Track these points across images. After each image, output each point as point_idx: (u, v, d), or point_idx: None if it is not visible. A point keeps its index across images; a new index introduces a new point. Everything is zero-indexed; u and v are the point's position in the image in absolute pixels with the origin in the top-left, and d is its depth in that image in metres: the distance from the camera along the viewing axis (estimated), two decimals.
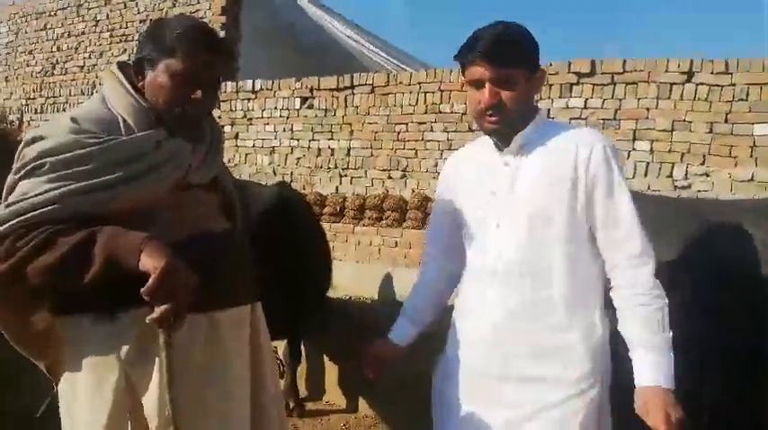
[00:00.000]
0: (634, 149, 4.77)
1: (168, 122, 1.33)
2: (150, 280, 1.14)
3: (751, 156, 4.45)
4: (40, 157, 1.21)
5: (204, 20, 7.03)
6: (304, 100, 6.33)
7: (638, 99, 4.75)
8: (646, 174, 4.74)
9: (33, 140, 1.25)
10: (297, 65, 6.80)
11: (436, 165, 5.49)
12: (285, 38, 7.26)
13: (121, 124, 1.29)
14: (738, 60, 4.46)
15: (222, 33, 6.93)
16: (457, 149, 5.92)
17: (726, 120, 4.52)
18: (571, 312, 1.41)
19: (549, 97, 5.03)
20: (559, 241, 1.42)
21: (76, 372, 1.28)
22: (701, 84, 4.58)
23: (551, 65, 5.03)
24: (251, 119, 6.74)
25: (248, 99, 6.75)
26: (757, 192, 4.40)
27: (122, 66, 1.38)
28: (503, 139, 1.49)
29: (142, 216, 1.24)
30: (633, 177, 4.74)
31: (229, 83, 6.87)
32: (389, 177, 5.76)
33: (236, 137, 6.79)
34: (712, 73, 4.53)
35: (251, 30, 7.13)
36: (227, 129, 6.83)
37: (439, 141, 5.49)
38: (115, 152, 1.23)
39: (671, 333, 1.36)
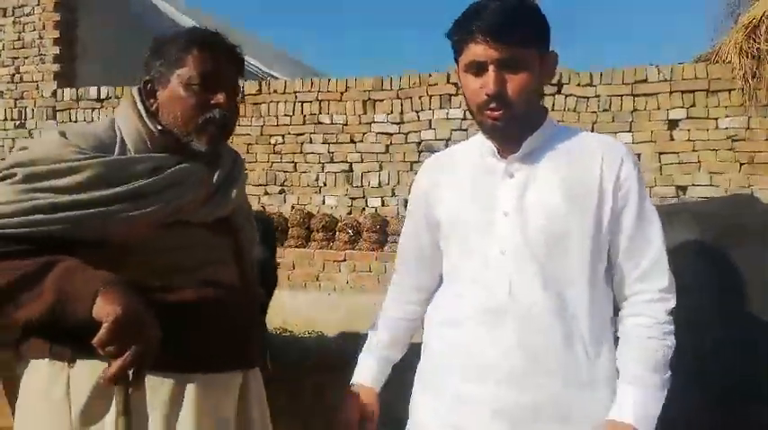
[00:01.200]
0: None
1: (191, 140, 1.21)
2: (102, 329, 1.00)
3: None
4: (14, 166, 1.12)
5: (33, 17, 6.09)
6: None
7: None
8: None
9: (19, 149, 1.17)
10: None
11: (317, 179, 5.23)
12: (139, 39, 6.49)
13: (117, 146, 1.17)
14: (601, 73, 4.77)
15: (57, 34, 6.04)
16: (339, 163, 5.65)
17: (593, 130, 4.80)
18: (596, 360, 1.18)
19: (429, 108, 5.01)
20: (581, 272, 1.17)
21: (27, 415, 1.16)
22: (570, 95, 4.83)
23: (431, 76, 5.02)
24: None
25: (92, 108, 5.94)
26: None
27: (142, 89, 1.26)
28: (506, 143, 1.21)
29: (119, 250, 1.12)
30: None
31: (67, 90, 6.01)
32: (266, 193, 5.38)
33: None
34: (579, 85, 4.80)
35: (96, 30, 6.28)
36: None
37: (319, 154, 5.23)
38: (93, 170, 1.10)
39: (668, 375, 1.18)
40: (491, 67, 1.13)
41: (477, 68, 1.15)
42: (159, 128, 1.20)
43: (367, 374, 1.37)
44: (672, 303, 1.20)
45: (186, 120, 1.19)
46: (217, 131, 1.21)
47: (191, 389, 1.15)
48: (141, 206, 1.12)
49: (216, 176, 1.23)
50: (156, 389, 1.12)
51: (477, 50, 1.13)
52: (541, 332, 1.15)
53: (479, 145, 1.25)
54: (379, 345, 1.40)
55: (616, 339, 1.23)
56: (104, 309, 1.00)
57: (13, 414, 1.23)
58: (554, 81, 4.83)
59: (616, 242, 1.19)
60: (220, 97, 1.20)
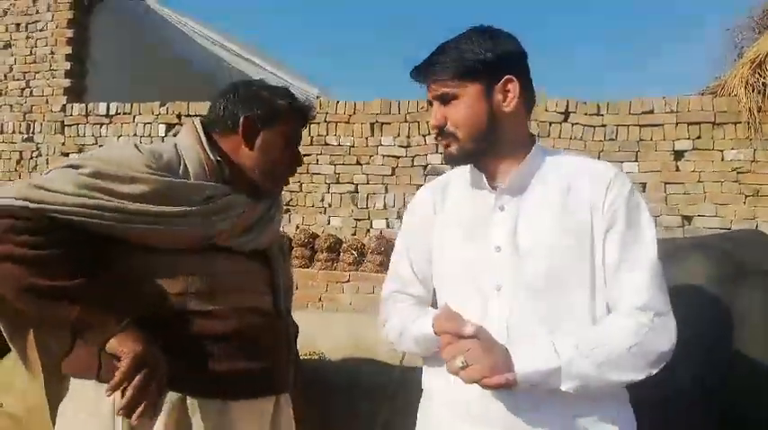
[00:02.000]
0: None
1: (269, 181, 1.36)
2: (124, 362, 1.11)
3: None
4: (88, 158, 1.22)
5: (46, 33, 6.16)
6: (170, 126, 5.73)
7: None
8: None
9: (99, 146, 1.24)
10: (163, 87, 6.15)
11: (323, 200, 5.24)
12: (148, 56, 6.56)
13: (181, 169, 1.26)
14: (608, 103, 4.81)
15: (69, 50, 6.11)
16: (345, 184, 5.63)
17: (599, 158, 4.82)
18: (600, 398, 1.10)
19: None
20: (580, 307, 1.11)
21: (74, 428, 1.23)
22: (576, 124, 4.87)
23: None
24: (103, 146, 5.95)
25: (100, 124, 5.98)
26: None
27: (205, 122, 1.38)
28: (486, 172, 1.20)
29: (164, 268, 1.21)
30: None
31: (76, 105, 6.05)
32: None
33: None
34: (586, 114, 4.84)
35: (106, 46, 6.35)
36: (73, 156, 5.96)
37: (325, 175, 5.25)
38: (151, 186, 1.19)
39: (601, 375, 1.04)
40: (434, 104, 1.20)
41: (431, 105, 1.22)
42: (218, 158, 1.30)
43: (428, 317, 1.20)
44: (664, 336, 1.08)
45: (278, 167, 1.36)
46: (284, 182, 1.42)
47: (230, 415, 1.21)
48: (180, 224, 1.20)
49: (258, 210, 1.33)
50: (198, 415, 1.18)
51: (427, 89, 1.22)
52: None
53: (470, 173, 1.24)
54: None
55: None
56: (126, 345, 1.11)
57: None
58: (561, 110, 4.88)
59: (605, 265, 1.13)
60: (301, 157, 1.42)
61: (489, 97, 1.16)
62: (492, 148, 1.18)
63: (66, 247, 1.13)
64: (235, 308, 1.24)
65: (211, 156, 1.29)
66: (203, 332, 1.19)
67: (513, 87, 1.17)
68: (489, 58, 1.16)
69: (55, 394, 1.28)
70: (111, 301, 1.15)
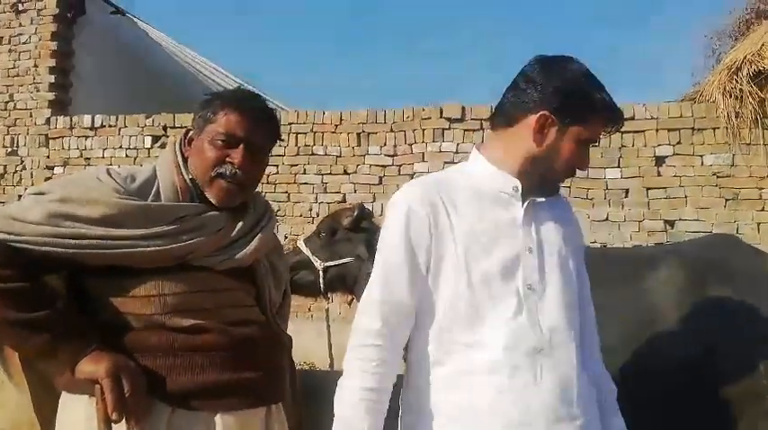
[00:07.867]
0: None
1: (206, 191, 1.29)
2: (104, 388, 1.13)
3: (605, 198, 4.86)
4: (54, 184, 1.23)
5: (29, 46, 6.14)
6: (156, 138, 5.73)
7: None
8: None
9: (69, 173, 1.24)
10: (148, 100, 6.15)
11: (311, 210, 5.26)
12: (132, 69, 6.55)
13: (153, 190, 1.25)
14: None
15: (53, 62, 6.09)
16: (333, 193, 5.59)
17: None
18: (593, 393, 1.28)
19: (422, 141, 5.09)
20: (578, 300, 1.29)
21: None
22: None
23: (424, 110, 5.12)
24: (89, 158, 5.93)
25: (86, 136, 5.95)
26: (611, 230, 4.81)
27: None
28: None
29: (133, 285, 1.21)
30: None
31: (60, 117, 6.03)
32: None
33: None
34: None
35: (90, 58, 6.33)
36: (58, 170, 5.93)
37: (313, 184, 5.27)
38: (111, 209, 1.18)
39: None
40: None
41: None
42: (191, 177, 1.28)
43: None
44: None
45: (202, 171, 1.28)
46: (227, 186, 1.26)
47: (219, 426, 1.21)
48: (148, 245, 1.18)
49: (238, 227, 1.29)
50: (187, 428, 1.18)
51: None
52: (571, 370, 1.21)
53: (491, 176, 1.24)
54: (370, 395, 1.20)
55: None
56: (98, 368, 1.14)
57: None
58: None
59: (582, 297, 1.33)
60: (235, 156, 1.26)
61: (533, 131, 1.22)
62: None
63: (29, 279, 1.15)
64: (220, 321, 1.24)
65: (185, 176, 1.28)
66: (187, 346, 1.20)
67: (537, 124, 1.21)
68: (520, 95, 1.26)
69: (46, 409, 1.28)
70: (76, 330, 1.17)
